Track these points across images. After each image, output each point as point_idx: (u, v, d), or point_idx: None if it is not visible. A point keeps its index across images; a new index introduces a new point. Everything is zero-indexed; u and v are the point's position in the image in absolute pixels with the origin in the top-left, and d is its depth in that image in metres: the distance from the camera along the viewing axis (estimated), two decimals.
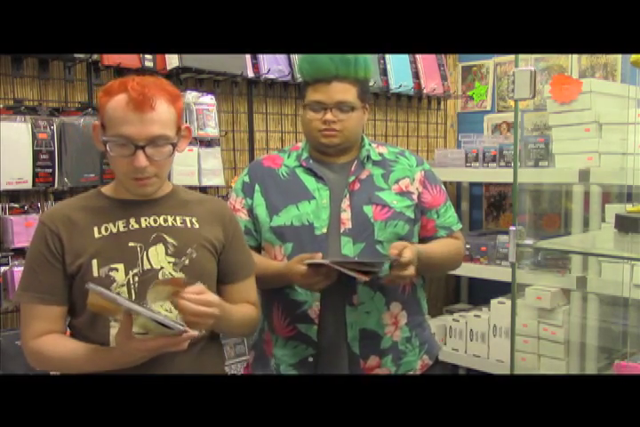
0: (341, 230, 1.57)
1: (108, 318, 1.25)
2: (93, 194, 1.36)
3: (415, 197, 1.64)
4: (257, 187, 1.66)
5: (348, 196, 1.59)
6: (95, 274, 1.25)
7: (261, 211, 1.62)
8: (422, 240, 1.70)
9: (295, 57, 2.61)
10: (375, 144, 1.71)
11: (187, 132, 1.33)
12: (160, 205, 1.33)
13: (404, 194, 1.63)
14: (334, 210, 1.58)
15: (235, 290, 1.40)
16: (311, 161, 1.64)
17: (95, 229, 1.28)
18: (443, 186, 1.73)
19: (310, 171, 1.63)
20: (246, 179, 1.69)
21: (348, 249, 1.56)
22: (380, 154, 1.68)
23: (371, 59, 1.63)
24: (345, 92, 1.56)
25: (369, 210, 1.58)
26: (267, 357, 1.67)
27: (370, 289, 1.56)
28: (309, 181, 1.62)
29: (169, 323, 1.10)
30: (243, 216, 1.66)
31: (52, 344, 1.25)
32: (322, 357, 1.60)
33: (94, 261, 1.25)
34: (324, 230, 1.56)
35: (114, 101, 1.21)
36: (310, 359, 1.59)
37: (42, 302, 1.27)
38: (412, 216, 1.62)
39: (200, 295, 1.19)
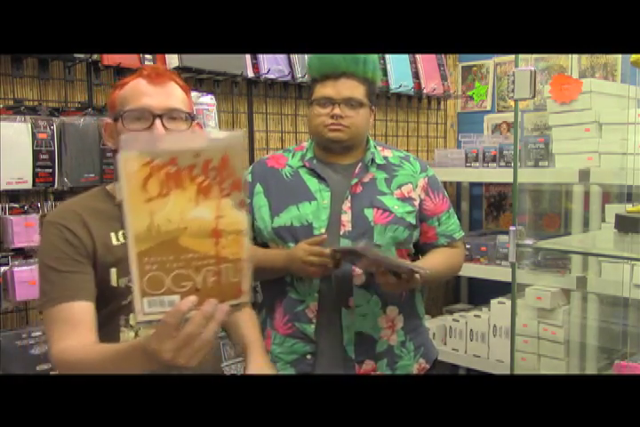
0: (341, 232, 1.56)
1: (119, 321, 1.22)
2: (101, 194, 1.29)
3: (416, 203, 1.63)
4: (259, 187, 1.66)
5: (349, 198, 1.59)
6: (114, 284, 1.20)
7: (265, 212, 1.62)
8: (422, 247, 1.69)
9: (295, 57, 2.61)
10: (380, 147, 1.70)
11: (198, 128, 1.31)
12: None
13: (405, 200, 1.62)
14: (334, 211, 1.58)
15: None
16: (315, 161, 1.64)
17: (112, 235, 1.21)
18: (445, 193, 1.72)
19: (313, 171, 1.63)
20: (248, 178, 1.69)
21: None
22: (385, 158, 1.67)
23: (378, 64, 1.65)
24: (353, 88, 1.57)
25: (370, 213, 1.57)
26: None
27: (366, 292, 1.56)
28: (312, 182, 1.62)
29: None
30: None
31: (87, 350, 1.12)
32: (320, 357, 1.60)
33: (113, 271, 1.20)
34: (323, 231, 1.56)
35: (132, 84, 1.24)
36: (309, 357, 1.59)
37: (74, 300, 1.14)
38: (413, 222, 1.62)
39: None
